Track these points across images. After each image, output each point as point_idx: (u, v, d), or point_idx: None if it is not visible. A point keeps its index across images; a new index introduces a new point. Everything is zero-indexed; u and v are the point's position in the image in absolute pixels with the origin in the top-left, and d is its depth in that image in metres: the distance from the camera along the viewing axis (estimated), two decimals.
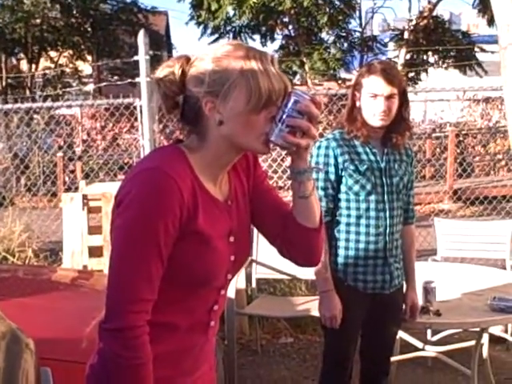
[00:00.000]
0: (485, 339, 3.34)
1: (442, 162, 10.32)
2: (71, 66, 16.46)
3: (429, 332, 3.72)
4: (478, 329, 3.12)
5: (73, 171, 9.52)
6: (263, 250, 3.86)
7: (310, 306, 3.75)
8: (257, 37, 12.93)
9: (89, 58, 16.67)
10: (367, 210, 2.50)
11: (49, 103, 6.02)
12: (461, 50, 12.48)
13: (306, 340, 4.25)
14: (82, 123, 11.02)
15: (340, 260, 2.53)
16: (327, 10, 11.47)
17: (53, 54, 16.32)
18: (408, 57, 12.75)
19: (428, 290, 2.86)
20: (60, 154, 9.06)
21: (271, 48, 13.77)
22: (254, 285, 4.10)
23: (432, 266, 3.73)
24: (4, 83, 15.79)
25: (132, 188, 1.31)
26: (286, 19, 12.48)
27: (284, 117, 1.32)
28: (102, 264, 4.29)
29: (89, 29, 16.16)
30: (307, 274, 3.76)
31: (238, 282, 3.69)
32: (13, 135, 7.91)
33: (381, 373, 2.71)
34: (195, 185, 1.35)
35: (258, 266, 4.06)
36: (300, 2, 10.82)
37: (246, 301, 4.08)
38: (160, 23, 19.83)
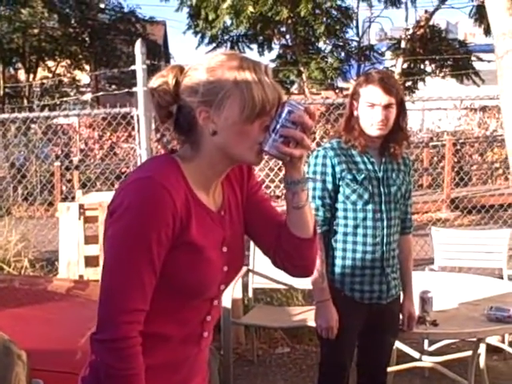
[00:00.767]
0: (482, 349, 3.33)
1: (440, 170, 10.33)
2: (69, 75, 16.49)
3: (426, 342, 3.70)
4: (474, 339, 3.10)
5: (70, 181, 9.51)
6: (260, 259, 3.84)
7: (307, 315, 3.74)
8: (254, 46, 12.96)
9: (86, 67, 16.70)
10: (364, 219, 2.49)
11: (46, 113, 6.02)
12: (458, 59, 12.50)
13: (303, 350, 4.22)
14: (79, 132, 11.02)
15: (337, 270, 2.52)
16: (324, 19, 11.48)
17: (50, 63, 16.35)
18: (405, 66, 12.77)
19: (425, 300, 2.85)
20: (57, 163, 9.05)
21: (268, 57, 13.83)
22: (250, 294, 4.08)
23: (429, 276, 3.72)
24: (2, 92, 15.80)
25: (125, 198, 1.30)
26: (283, 29, 12.50)
27: (278, 127, 1.32)
28: (99, 274, 4.17)
29: (87, 38, 16.21)
30: (304, 283, 3.75)
31: (234, 291, 3.67)
32: (10, 145, 7.91)
33: (377, 383, 2.69)
34: (188, 195, 1.35)
35: (255, 276, 4.05)
36: (297, 11, 10.84)
37: (242, 310, 4.06)
38: (158, 33, 19.88)
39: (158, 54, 16.41)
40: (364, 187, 2.48)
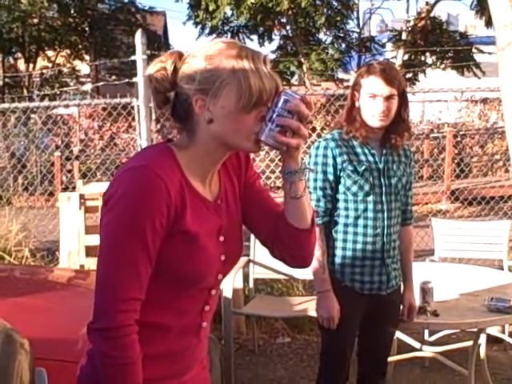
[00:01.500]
0: (482, 339, 3.34)
1: (440, 162, 10.32)
2: (69, 65, 16.44)
3: (426, 332, 3.72)
4: (475, 329, 3.11)
5: (70, 171, 9.50)
6: (260, 250, 3.85)
7: (308, 305, 3.75)
8: (254, 37, 12.95)
9: (86, 57, 16.65)
10: (365, 210, 2.49)
11: (46, 102, 6.01)
12: (458, 51, 12.49)
13: (304, 340, 4.24)
14: (79, 123, 11.00)
15: (337, 260, 2.53)
16: (325, 10, 11.47)
17: (50, 53, 16.30)
18: (406, 57, 12.76)
19: (425, 291, 2.86)
20: (57, 153, 9.04)
21: (269, 48, 13.80)
22: (251, 285, 4.10)
23: (429, 267, 3.73)
24: (1, 82, 15.77)
25: (119, 187, 1.30)
26: (283, 20, 12.48)
27: (274, 116, 1.32)
28: None
29: (86, 28, 16.14)
30: (304, 274, 3.76)
31: (235, 281, 3.68)
32: (10, 135, 7.90)
33: (378, 373, 2.71)
34: (183, 183, 1.35)
35: (256, 266, 4.06)
36: (298, 2, 10.82)
37: (243, 301, 4.07)
38: (158, 23, 19.81)
39: (158, 44, 16.36)
40: (365, 178, 2.48)
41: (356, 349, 2.68)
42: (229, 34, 12.54)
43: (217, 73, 1.31)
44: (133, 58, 4.99)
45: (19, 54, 16.34)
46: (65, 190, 6.95)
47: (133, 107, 5.12)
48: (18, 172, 6.96)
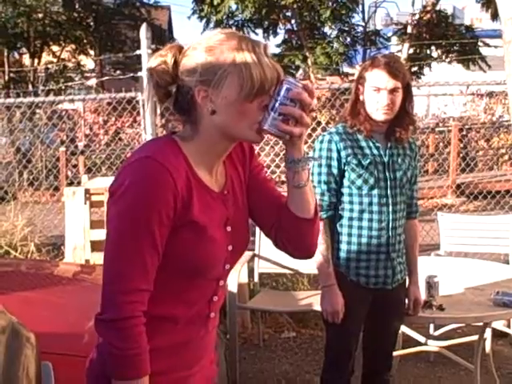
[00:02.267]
0: (487, 334, 3.33)
1: (445, 156, 10.29)
2: (73, 60, 16.44)
3: (431, 326, 3.71)
4: (480, 323, 3.10)
5: (75, 166, 9.51)
6: (266, 244, 3.85)
7: (313, 300, 3.74)
8: (259, 31, 12.93)
9: (91, 52, 16.65)
10: (370, 204, 2.49)
11: (51, 97, 6.01)
12: (464, 45, 12.43)
13: (309, 334, 4.24)
14: (84, 117, 11.01)
15: (342, 255, 2.52)
16: (330, 4, 11.43)
17: (55, 48, 16.30)
18: (411, 51, 12.70)
19: (431, 285, 2.85)
20: (62, 148, 9.05)
21: (274, 42, 13.78)
22: (256, 279, 4.09)
23: (435, 261, 3.72)
24: (7, 77, 15.78)
25: (125, 178, 1.31)
26: (288, 13, 12.44)
27: (276, 105, 1.32)
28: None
29: (91, 23, 16.14)
30: (309, 268, 3.77)
31: (240, 276, 3.68)
32: (15, 130, 7.91)
33: (383, 367, 2.70)
34: (189, 174, 1.36)
35: (261, 261, 4.06)
36: None
37: (248, 295, 4.08)
38: (162, 18, 19.79)
39: (163, 38, 16.34)
40: (369, 172, 2.48)
41: (361, 343, 2.68)
42: (234, 28, 12.51)
43: (218, 63, 1.32)
44: (138, 52, 4.98)
45: (24, 49, 16.36)
46: (70, 184, 6.98)
47: (138, 101, 5.12)
48: (23, 167, 6.97)
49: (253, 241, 3.91)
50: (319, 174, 2.49)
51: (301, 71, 13.99)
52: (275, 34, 12.99)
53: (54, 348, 1.96)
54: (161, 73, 1.37)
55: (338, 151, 2.48)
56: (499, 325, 3.79)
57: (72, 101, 6.48)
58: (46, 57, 16.35)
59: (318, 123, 6.44)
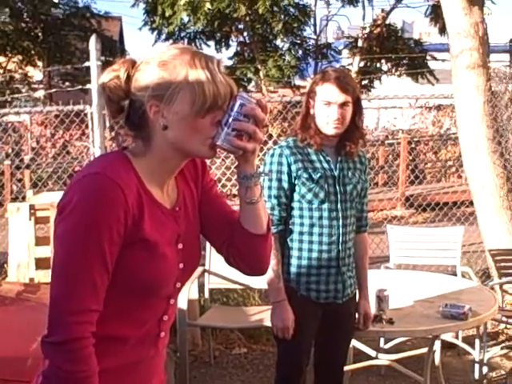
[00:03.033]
0: (437, 346, 3.36)
1: (395, 168, 10.45)
2: (20, 71, 16.05)
3: (381, 340, 3.72)
4: (430, 336, 3.12)
5: (21, 180, 9.24)
6: (216, 259, 3.79)
7: (264, 315, 3.69)
8: (212, 43, 12.92)
9: (39, 63, 16.30)
10: (320, 218, 2.47)
11: None
12: (413, 58, 12.71)
13: (260, 350, 4.20)
14: (30, 130, 10.74)
15: (293, 269, 2.50)
16: (282, 17, 11.51)
17: (1, 59, 15.89)
18: (362, 64, 12.91)
19: (381, 298, 2.85)
20: (7, 162, 8.79)
21: (226, 55, 13.78)
22: (206, 295, 4.03)
23: (384, 274, 3.74)
24: None
25: (74, 195, 1.26)
26: (241, 26, 12.48)
27: (230, 120, 1.31)
28: (50, 276, 4.10)
29: (39, 34, 15.80)
30: (260, 283, 3.73)
31: (190, 292, 3.62)
32: None
33: (334, 382, 2.68)
34: (140, 191, 1.32)
35: (211, 276, 4.00)
36: (255, 8, 10.83)
37: (198, 311, 4.01)
38: (113, 29, 19.58)
39: (114, 50, 16.15)
40: (320, 186, 2.46)
41: (312, 359, 2.65)
42: (185, 40, 12.49)
43: (170, 79, 1.30)
44: (87, 64, 4.88)
45: None
46: (15, 200, 6.76)
47: (86, 114, 5.01)
48: None
49: (203, 255, 3.85)
50: (269, 188, 2.47)
51: (253, 83, 14.04)
52: (227, 46, 13.01)
53: None
54: (113, 88, 1.34)
55: (289, 165, 2.46)
56: (448, 336, 3.83)
57: (18, 113, 6.29)
58: None
59: (270, 136, 6.45)
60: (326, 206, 2.47)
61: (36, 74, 16.72)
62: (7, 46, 15.16)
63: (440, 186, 10.43)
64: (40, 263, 4.25)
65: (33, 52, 15.72)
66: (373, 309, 2.73)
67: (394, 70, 13.36)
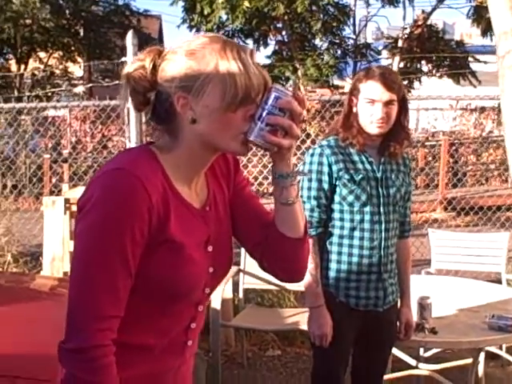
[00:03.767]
0: (481, 357, 3.21)
1: (436, 171, 10.23)
2: (61, 67, 16.25)
3: (421, 348, 3.58)
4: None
5: (59, 174, 9.31)
6: (251, 259, 3.70)
7: (299, 318, 3.63)
8: (250, 42, 12.86)
9: (79, 59, 16.49)
10: (361, 221, 2.36)
11: (33, 103, 5.86)
12: (454, 60, 12.44)
13: (294, 353, 4.10)
14: (70, 125, 10.84)
15: (331, 274, 2.39)
16: (321, 16, 11.37)
17: (42, 54, 16.12)
18: (401, 65, 12.68)
19: (423, 307, 2.72)
20: (47, 155, 8.88)
21: (264, 53, 13.73)
22: (241, 295, 3.96)
23: (426, 279, 3.60)
24: None
25: (94, 191, 1.18)
26: (279, 25, 12.38)
27: (264, 114, 1.22)
28: None
29: (80, 30, 15.99)
30: (296, 285, 3.62)
31: (224, 292, 3.55)
32: None
33: None
34: (166, 188, 1.23)
35: (246, 276, 3.92)
36: (294, 7, 10.72)
37: (232, 311, 3.94)
38: (153, 27, 19.71)
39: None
40: (362, 188, 2.35)
41: (349, 366, 2.55)
42: None
43: (199, 69, 1.21)
44: (123, 59, 4.85)
45: (10, 55, 16.16)
46: (52, 193, 6.80)
47: (123, 109, 4.98)
48: (4, 173, 6.78)
49: (238, 253, 3.78)
50: (309, 188, 2.37)
51: (291, 82, 13.94)
52: (266, 44, 12.94)
53: (24, 371, 1.82)
54: (138, 78, 1.25)
55: (330, 165, 2.35)
56: (491, 347, 3.67)
57: (55, 107, 6.32)
58: (32, 63, 16.17)
59: (308, 135, 6.34)
60: (367, 208, 2.36)
61: (76, 69, 16.93)
62: (48, 42, 15.37)
63: (482, 189, 10.17)
64: None
65: (73, 48, 15.91)
66: (414, 317, 2.61)
67: (434, 71, 13.09)
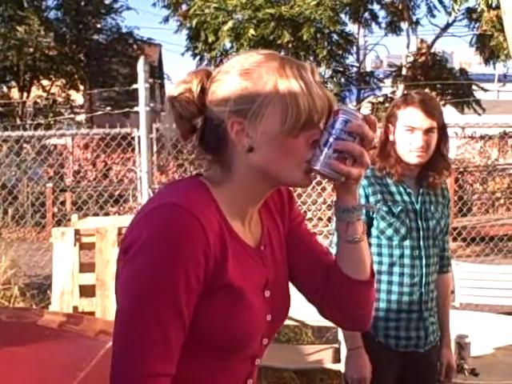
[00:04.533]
0: None
1: None
2: (63, 95, 16.23)
3: None
4: None
5: (63, 203, 9.17)
6: None
7: (320, 356, 3.49)
8: None
9: (81, 87, 16.48)
10: (401, 257, 2.22)
11: (41, 132, 5.75)
12: (458, 88, 12.43)
13: None
14: (73, 153, 10.74)
15: None
16: (326, 44, 11.38)
17: (45, 82, 16.12)
18: (406, 93, 12.69)
19: (462, 346, 2.58)
20: (50, 184, 8.74)
21: None
22: None
23: (455, 316, 3.44)
24: None
25: (143, 230, 1.04)
26: (284, 52, 12.40)
27: (331, 140, 1.08)
28: (94, 305, 3.98)
29: (83, 58, 16.01)
30: (316, 320, 3.48)
31: None
32: (1, 164, 7.61)
33: None
34: (222, 226, 1.09)
35: None
36: (299, 35, 10.72)
37: None
38: (153, 55, 19.78)
39: (153, 75, 16.24)
40: (401, 221, 2.22)
41: None
42: None
43: (256, 90, 1.07)
44: (134, 86, 4.78)
45: (13, 83, 16.15)
46: (58, 222, 6.65)
47: (133, 138, 4.88)
48: (8, 204, 6.65)
49: None
50: None
51: None
52: None
53: None
54: (185, 102, 1.11)
55: (367, 197, 2.22)
56: None
57: (63, 135, 6.23)
58: (35, 91, 16.15)
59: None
60: (407, 243, 2.22)
61: (78, 97, 16.91)
62: (51, 69, 15.36)
63: (487, 218, 10.04)
64: (84, 291, 4.09)
65: (76, 76, 15.91)
66: None
67: (438, 99, 13.09)
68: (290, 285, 1.27)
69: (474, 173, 11.71)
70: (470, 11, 11.42)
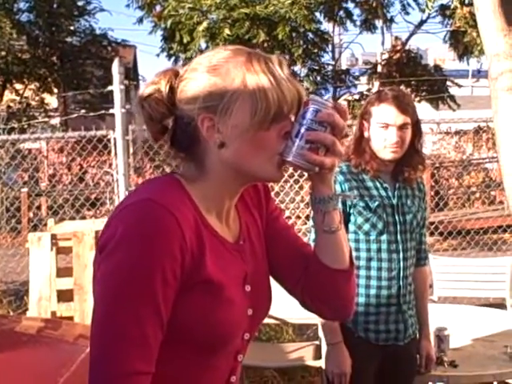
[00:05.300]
0: None
1: None
2: (37, 98, 16.03)
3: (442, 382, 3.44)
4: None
5: (39, 207, 9.06)
6: None
7: (302, 353, 3.49)
8: None
9: (55, 90, 16.29)
10: (379, 251, 2.24)
11: (15, 136, 5.68)
12: (433, 84, 12.53)
13: None
14: (47, 157, 10.62)
15: None
16: (301, 43, 11.39)
17: (18, 86, 15.90)
18: (379, 90, 12.77)
19: (441, 338, 2.60)
20: (25, 189, 8.63)
21: None
22: None
23: (433, 309, 3.47)
24: None
25: (118, 227, 1.03)
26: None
27: (302, 130, 1.08)
28: (72, 310, 3.94)
29: (56, 61, 15.82)
30: (297, 318, 3.51)
31: None
32: None
33: None
34: (198, 221, 1.08)
35: None
36: (274, 34, 10.73)
37: None
38: (128, 56, 19.64)
39: (128, 77, 16.11)
40: (378, 215, 2.24)
41: None
42: None
43: (224, 85, 1.07)
44: (109, 88, 4.74)
45: None
46: (34, 227, 6.57)
47: (109, 140, 4.84)
48: None
49: None
50: None
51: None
52: None
53: None
54: (154, 103, 1.11)
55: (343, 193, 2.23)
56: None
57: (37, 139, 6.15)
58: (8, 95, 15.93)
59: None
60: (384, 237, 2.25)
61: (52, 100, 16.72)
62: (24, 73, 15.14)
63: (463, 212, 10.15)
64: (62, 295, 4.04)
65: (49, 79, 15.72)
66: None
67: (413, 96, 13.19)
68: (271, 282, 1.28)
69: (450, 168, 11.84)
70: (443, 8, 11.50)
